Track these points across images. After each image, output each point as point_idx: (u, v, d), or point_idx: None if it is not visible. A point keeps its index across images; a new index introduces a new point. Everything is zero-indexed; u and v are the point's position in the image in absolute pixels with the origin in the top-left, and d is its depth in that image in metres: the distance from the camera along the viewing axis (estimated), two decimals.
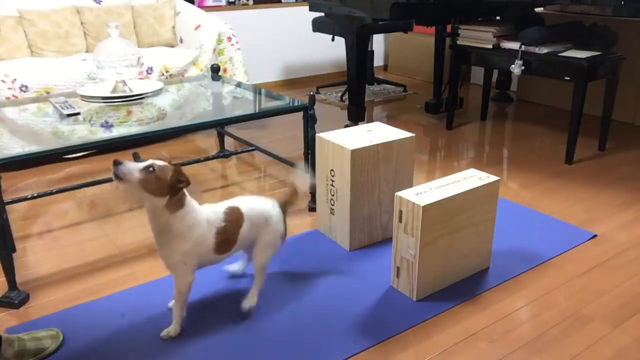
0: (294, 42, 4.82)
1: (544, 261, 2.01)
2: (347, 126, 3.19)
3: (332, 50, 5.00)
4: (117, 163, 1.39)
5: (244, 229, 1.63)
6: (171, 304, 1.69)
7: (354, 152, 1.94)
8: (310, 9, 3.48)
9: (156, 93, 2.47)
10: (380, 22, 3.31)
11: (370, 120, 3.74)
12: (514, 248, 2.09)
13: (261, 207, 1.68)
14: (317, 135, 2.11)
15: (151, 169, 1.41)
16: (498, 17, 3.62)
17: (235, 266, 1.91)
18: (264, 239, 1.68)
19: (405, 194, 1.73)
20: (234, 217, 1.62)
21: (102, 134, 2.00)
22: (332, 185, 2.08)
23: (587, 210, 2.41)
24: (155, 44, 3.78)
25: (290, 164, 2.63)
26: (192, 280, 1.58)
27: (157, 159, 1.45)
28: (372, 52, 4.77)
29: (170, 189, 1.44)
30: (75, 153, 2.47)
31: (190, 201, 1.52)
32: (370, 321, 1.67)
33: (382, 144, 2.02)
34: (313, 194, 2.39)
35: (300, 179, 1.82)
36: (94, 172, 2.86)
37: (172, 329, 1.61)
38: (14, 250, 2.06)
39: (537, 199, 2.52)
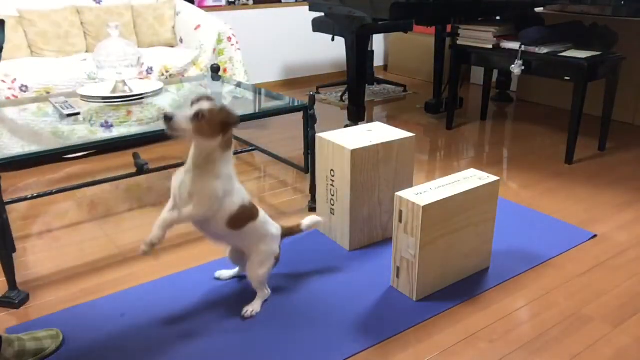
0: (294, 42, 4.82)
1: (544, 261, 2.01)
2: (347, 126, 3.19)
3: (332, 50, 5.00)
4: (167, 119, 1.41)
5: (253, 225, 1.67)
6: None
7: (354, 152, 1.94)
8: (310, 9, 3.48)
9: (156, 93, 2.47)
10: (380, 22, 3.31)
11: (370, 120, 3.74)
12: (514, 248, 2.09)
13: (268, 223, 1.75)
14: (317, 135, 2.11)
15: (200, 115, 1.44)
16: (498, 17, 3.61)
17: (226, 272, 1.91)
18: (258, 253, 1.70)
19: (405, 194, 1.73)
20: (254, 209, 1.69)
21: (102, 134, 2.00)
22: (332, 185, 2.08)
23: (587, 210, 2.41)
24: (155, 44, 3.78)
25: (291, 164, 2.63)
26: (198, 217, 1.55)
27: (201, 101, 1.47)
28: (372, 52, 4.76)
29: (222, 128, 1.49)
30: (75, 153, 2.46)
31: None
32: (370, 321, 1.67)
33: (382, 144, 2.02)
34: (313, 194, 2.39)
35: (311, 222, 1.86)
36: (94, 172, 2.86)
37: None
38: (14, 250, 2.06)
39: (537, 199, 2.52)
